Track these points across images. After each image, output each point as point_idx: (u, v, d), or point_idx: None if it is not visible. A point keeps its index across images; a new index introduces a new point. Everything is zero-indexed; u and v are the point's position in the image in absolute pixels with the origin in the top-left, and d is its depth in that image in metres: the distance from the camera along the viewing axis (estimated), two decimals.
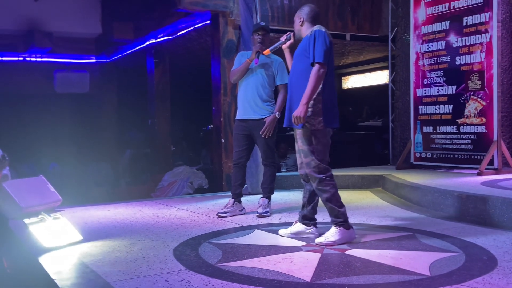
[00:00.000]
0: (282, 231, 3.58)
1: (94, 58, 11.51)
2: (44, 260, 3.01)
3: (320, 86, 3.27)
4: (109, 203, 5.35)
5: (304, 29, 3.47)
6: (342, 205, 3.33)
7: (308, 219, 3.52)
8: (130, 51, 10.39)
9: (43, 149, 9.77)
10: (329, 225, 3.64)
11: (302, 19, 3.48)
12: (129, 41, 10.03)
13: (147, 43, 9.51)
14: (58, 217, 3.47)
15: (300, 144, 3.37)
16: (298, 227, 3.53)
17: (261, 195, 4.48)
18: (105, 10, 10.67)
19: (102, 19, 10.74)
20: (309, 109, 3.25)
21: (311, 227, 3.50)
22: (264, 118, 4.37)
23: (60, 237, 3.33)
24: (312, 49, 3.27)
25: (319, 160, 3.31)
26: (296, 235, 3.49)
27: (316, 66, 3.23)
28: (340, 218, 3.29)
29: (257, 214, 4.31)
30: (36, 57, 10.85)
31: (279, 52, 3.92)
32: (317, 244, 3.26)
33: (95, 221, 4.26)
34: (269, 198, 4.45)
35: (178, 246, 3.27)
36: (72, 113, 11.34)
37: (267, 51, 3.90)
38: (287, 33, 3.70)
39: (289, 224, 3.93)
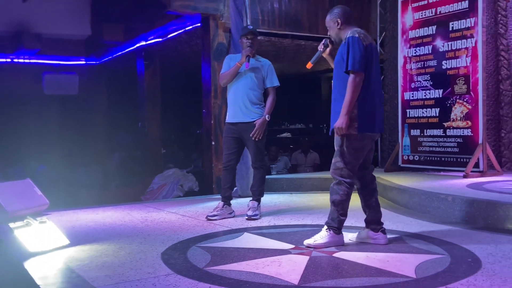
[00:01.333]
0: (350, 236, 3.48)
1: (83, 59, 11.45)
2: (29, 265, 3.00)
3: (360, 91, 3.20)
4: (97, 206, 5.34)
5: (343, 32, 3.36)
6: (344, 214, 3.30)
7: (372, 223, 3.40)
8: (120, 53, 10.36)
9: (31, 152, 9.70)
10: (317, 228, 3.67)
11: (339, 22, 3.37)
12: (119, 43, 10.00)
13: (138, 45, 9.49)
14: (44, 221, 3.46)
15: (335, 145, 3.33)
16: (363, 233, 3.44)
17: (251, 198, 4.51)
18: (94, 11, 10.62)
19: (91, 20, 10.68)
20: None
21: (379, 232, 3.38)
22: (254, 121, 4.40)
23: (46, 242, 3.32)
24: (346, 57, 3.20)
25: (345, 164, 3.25)
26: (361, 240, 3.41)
27: (351, 75, 3.17)
28: (335, 223, 3.29)
29: (246, 217, 4.33)
30: (24, 59, 10.77)
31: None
32: (306, 246, 3.28)
33: (82, 224, 4.25)
34: (258, 200, 4.47)
35: (166, 250, 3.28)
36: (61, 115, 11.26)
37: (309, 65, 3.65)
38: (323, 40, 3.53)
39: (278, 227, 3.97)
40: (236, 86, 4.47)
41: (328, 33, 3.48)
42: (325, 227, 3.33)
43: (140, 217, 4.53)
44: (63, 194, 8.13)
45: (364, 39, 3.25)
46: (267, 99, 4.50)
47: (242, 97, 4.43)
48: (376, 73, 3.34)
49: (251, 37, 4.45)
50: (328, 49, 3.52)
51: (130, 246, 3.43)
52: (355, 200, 3.43)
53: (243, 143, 4.52)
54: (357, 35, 3.23)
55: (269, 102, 4.48)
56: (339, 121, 3.19)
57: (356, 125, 3.22)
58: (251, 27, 4.61)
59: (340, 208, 3.28)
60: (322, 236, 3.29)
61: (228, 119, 4.53)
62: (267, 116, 4.43)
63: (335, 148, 3.33)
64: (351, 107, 3.19)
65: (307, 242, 3.31)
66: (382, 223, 3.42)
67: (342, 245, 3.29)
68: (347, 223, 3.57)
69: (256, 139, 4.38)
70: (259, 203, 4.46)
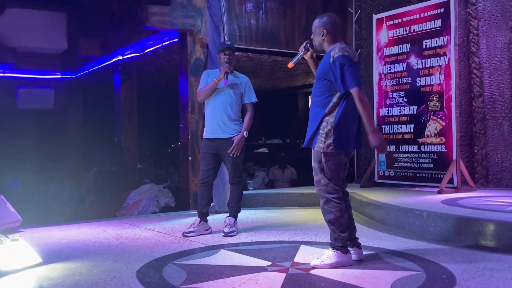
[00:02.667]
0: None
1: (59, 74, 11.33)
2: (1, 284, 2.92)
3: (334, 108, 3.22)
4: (71, 223, 5.24)
5: (327, 44, 3.32)
6: (344, 230, 3.25)
7: (348, 240, 3.38)
8: (96, 68, 10.28)
9: (4, 166, 9.50)
10: (294, 244, 3.67)
11: (324, 33, 3.31)
12: (96, 57, 9.93)
13: (114, 59, 9.43)
14: (16, 239, 3.37)
15: (312, 162, 3.30)
16: None
17: (228, 214, 4.48)
18: (71, 25, 10.55)
19: (68, 34, 10.60)
20: (320, 131, 3.21)
21: (354, 247, 3.36)
22: (232, 137, 4.40)
23: (18, 260, 3.24)
24: (339, 80, 3.15)
25: (328, 179, 3.23)
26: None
27: (356, 93, 3.13)
28: (338, 242, 3.23)
29: (223, 234, 4.30)
30: None
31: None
32: (312, 266, 3.20)
33: (56, 242, 4.16)
34: (235, 217, 4.45)
35: (141, 268, 3.23)
36: (36, 129, 11.09)
37: (290, 64, 3.58)
38: (304, 43, 3.45)
39: (255, 244, 3.94)
40: (214, 102, 4.46)
41: (311, 37, 3.42)
42: (331, 248, 3.25)
43: (115, 234, 4.46)
44: (36, 209, 7.97)
45: (353, 57, 3.25)
46: (245, 115, 4.51)
47: (220, 113, 4.43)
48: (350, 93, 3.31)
49: (228, 52, 4.47)
50: (309, 53, 3.47)
51: (105, 264, 3.37)
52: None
53: (220, 159, 4.50)
54: (346, 54, 3.19)
55: (247, 118, 4.49)
56: (374, 141, 3.14)
57: (331, 143, 3.21)
58: (229, 42, 4.63)
59: (337, 226, 3.23)
60: (329, 257, 3.21)
61: (206, 135, 4.52)
62: (245, 132, 4.43)
63: (313, 165, 3.29)
64: (372, 120, 3.22)
65: (313, 263, 3.22)
66: (357, 238, 3.42)
67: (350, 265, 3.20)
68: (322, 239, 3.57)
69: (234, 156, 4.37)
70: (236, 219, 4.44)
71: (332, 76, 3.21)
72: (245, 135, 4.43)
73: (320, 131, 3.23)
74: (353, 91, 3.15)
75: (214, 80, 4.40)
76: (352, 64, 3.18)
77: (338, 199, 3.25)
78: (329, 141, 3.21)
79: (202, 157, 4.52)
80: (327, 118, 3.23)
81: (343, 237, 3.24)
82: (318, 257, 3.27)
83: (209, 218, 4.53)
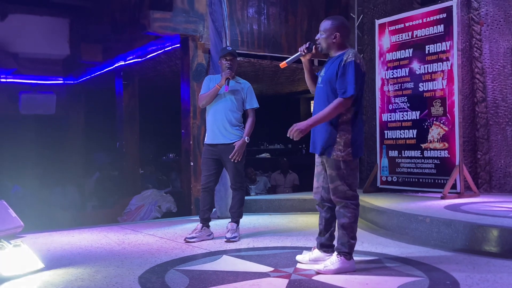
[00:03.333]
0: (300, 257, 3.45)
1: (61, 79, 11.34)
2: None
3: (350, 116, 3.17)
4: (73, 228, 5.23)
5: (336, 47, 3.25)
6: (354, 237, 3.23)
7: (326, 246, 3.40)
8: (98, 73, 10.29)
9: (6, 172, 9.51)
10: (296, 250, 3.65)
11: (337, 36, 3.23)
12: (98, 63, 9.94)
13: (116, 65, 9.44)
14: (18, 244, 3.37)
15: (328, 170, 3.25)
16: (317, 254, 3.41)
17: (230, 220, 4.47)
18: (73, 31, 10.57)
19: (70, 40, 10.63)
20: (337, 139, 3.17)
21: (330, 253, 3.34)
22: (233, 143, 4.40)
23: (21, 265, 3.23)
24: (344, 80, 3.11)
25: (348, 185, 3.21)
26: (315, 262, 3.36)
27: (345, 99, 3.10)
28: (345, 248, 3.20)
29: (225, 239, 4.29)
30: (0, 78, 10.62)
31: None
32: (315, 271, 3.17)
33: (58, 247, 4.15)
34: (237, 222, 4.44)
35: (144, 274, 3.22)
36: (38, 135, 11.09)
37: (283, 64, 3.42)
38: (308, 43, 3.36)
39: (257, 249, 3.93)
40: (215, 107, 4.46)
41: (317, 38, 3.32)
42: (336, 253, 3.23)
43: (117, 240, 4.45)
44: (38, 215, 7.96)
45: (363, 65, 3.21)
46: (246, 121, 4.51)
47: (222, 118, 4.43)
48: (361, 100, 3.30)
49: (230, 58, 4.47)
50: (309, 54, 3.37)
51: (107, 269, 3.35)
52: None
53: (222, 165, 4.50)
54: (358, 61, 3.15)
55: (249, 124, 4.48)
56: (303, 123, 3.11)
57: (350, 151, 3.19)
58: (230, 48, 4.63)
59: (349, 231, 3.20)
60: (333, 262, 3.18)
61: (207, 140, 4.52)
62: (246, 138, 4.43)
63: (330, 172, 3.23)
64: (321, 122, 3.16)
65: (317, 268, 3.19)
66: (334, 245, 3.38)
67: (353, 271, 3.18)
68: (309, 244, 3.53)
69: (236, 161, 4.37)
70: (238, 225, 4.43)
71: (341, 76, 3.13)
72: (246, 140, 4.42)
73: (338, 139, 3.18)
74: (348, 96, 3.10)
75: (215, 86, 4.40)
76: (361, 73, 3.16)
77: (356, 205, 3.23)
78: (349, 149, 3.18)
79: (204, 162, 4.52)
80: (343, 126, 3.19)
81: (352, 243, 3.22)
82: (321, 262, 3.25)
83: (211, 223, 4.52)
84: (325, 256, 3.36)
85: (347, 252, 3.20)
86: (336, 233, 3.36)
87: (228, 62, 4.45)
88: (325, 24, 3.29)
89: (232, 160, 4.36)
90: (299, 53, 3.39)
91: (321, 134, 3.26)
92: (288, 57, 3.45)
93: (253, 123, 4.50)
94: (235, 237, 4.30)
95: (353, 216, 3.21)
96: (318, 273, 3.15)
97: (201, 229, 4.37)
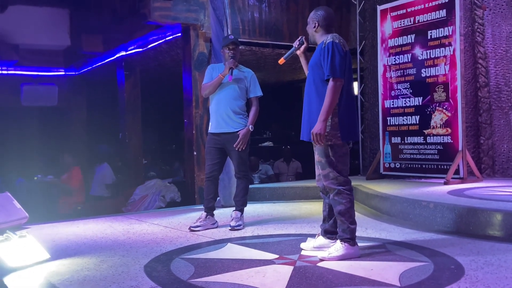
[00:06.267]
0: (304, 245, 3.45)
1: (62, 70, 11.34)
2: (9, 281, 2.93)
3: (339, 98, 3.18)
4: (78, 219, 5.26)
5: (319, 35, 3.33)
6: (354, 222, 3.24)
7: (330, 233, 3.39)
8: (99, 64, 10.28)
9: (9, 164, 9.53)
10: (301, 237, 3.67)
11: (316, 24, 3.33)
12: (99, 53, 9.93)
13: (117, 55, 9.43)
14: (24, 235, 3.39)
15: (317, 157, 3.28)
16: (321, 240, 3.41)
17: (234, 208, 4.48)
18: (73, 22, 10.54)
19: (70, 31, 10.60)
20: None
21: (334, 240, 3.34)
22: (237, 131, 4.39)
23: (26, 256, 3.24)
24: (326, 63, 3.15)
25: (338, 172, 3.21)
26: (319, 249, 3.37)
27: (331, 81, 3.12)
28: (347, 234, 3.20)
29: (230, 228, 4.30)
30: (1, 70, 10.62)
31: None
32: (320, 258, 3.18)
33: (63, 238, 4.17)
34: (242, 211, 4.45)
35: (149, 262, 3.24)
36: (40, 126, 11.11)
37: (281, 60, 3.55)
38: (299, 38, 3.49)
39: (262, 237, 3.95)
40: (219, 96, 4.45)
41: (306, 28, 3.45)
42: (339, 240, 3.23)
43: (122, 229, 4.47)
44: (42, 207, 7.99)
45: (344, 45, 3.25)
46: (250, 109, 4.50)
47: (225, 107, 4.42)
48: (351, 81, 3.32)
49: (233, 47, 4.45)
50: (303, 47, 3.48)
51: (112, 259, 3.37)
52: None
53: (226, 153, 4.50)
54: (337, 41, 3.20)
55: (252, 112, 4.47)
56: (317, 127, 3.13)
57: (338, 134, 3.20)
58: (233, 37, 4.60)
59: (347, 217, 3.21)
60: (337, 249, 3.19)
61: (211, 129, 4.51)
62: (250, 126, 4.42)
63: (319, 159, 3.26)
64: (329, 113, 3.15)
65: (321, 255, 3.20)
66: (338, 232, 3.37)
67: (358, 257, 3.19)
68: (313, 231, 3.55)
69: (240, 150, 4.37)
70: (242, 213, 4.44)
71: (323, 61, 3.19)
72: (250, 129, 4.42)
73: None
74: (331, 80, 3.14)
75: (219, 75, 4.39)
76: (339, 53, 3.17)
77: (349, 190, 3.23)
78: (337, 132, 3.19)
79: (208, 151, 4.52)
80: None
81: (352, 228, 3.22)
82: (326, 249, 3.26)
83: (215, 212, 4.53)
84: (329, 243, 3.37)
85: (349, 237, 3.21)
86: None
87: (231, 52, 4.43)
88: (310, 15, 3.43)
89: (236, 149, 4.36)
90: (293, 48, 3.52)
91: (307, 120, 3.30)
92: (287, 51, 3.55)
93: (257, 111, 4.49)
94: (239, 225, 4.32)
95: (349, 202, 3.22)
96: (322, 260, 3.17)
97: (206, 217, 4.38)
